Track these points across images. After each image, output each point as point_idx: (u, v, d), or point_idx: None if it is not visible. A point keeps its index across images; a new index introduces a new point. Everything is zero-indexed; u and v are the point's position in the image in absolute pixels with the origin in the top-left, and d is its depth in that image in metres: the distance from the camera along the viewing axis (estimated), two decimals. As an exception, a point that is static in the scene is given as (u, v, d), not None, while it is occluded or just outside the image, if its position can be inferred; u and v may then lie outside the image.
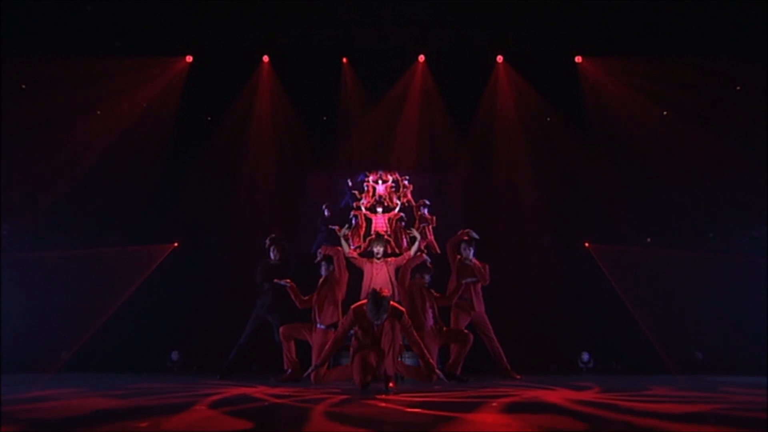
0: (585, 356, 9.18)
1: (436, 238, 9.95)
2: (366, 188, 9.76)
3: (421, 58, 10.23)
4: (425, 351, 6.82)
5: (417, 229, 8.57)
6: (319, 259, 7.72)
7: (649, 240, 9.79)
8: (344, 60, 10.31)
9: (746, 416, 4.40)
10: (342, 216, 9.71)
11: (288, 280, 7.70)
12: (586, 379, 7.68)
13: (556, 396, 5.63)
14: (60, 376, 8.24)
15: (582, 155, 10.09)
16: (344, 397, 5.62)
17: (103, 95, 9.78)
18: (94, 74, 9.52)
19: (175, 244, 9.77)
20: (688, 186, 9.45)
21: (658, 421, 4.14)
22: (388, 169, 10.02)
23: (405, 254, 8.07)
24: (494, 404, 5.04)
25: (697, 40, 9.35)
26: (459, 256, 8.05)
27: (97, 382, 7.04)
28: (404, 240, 9.56)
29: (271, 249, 8.35)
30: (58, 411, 4.60)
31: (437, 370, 6.89)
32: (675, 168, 9.48)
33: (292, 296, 7.65)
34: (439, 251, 9.41)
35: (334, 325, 7.22)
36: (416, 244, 8.06)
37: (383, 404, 5.09)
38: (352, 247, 8.23)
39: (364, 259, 8.02)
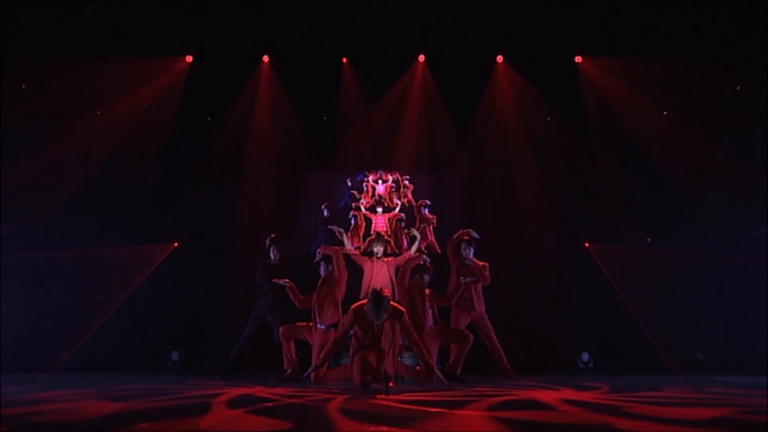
0: (585, 356, 9.18)
1: (436, 238, 9.94)
2: (366, 188, 9.75)
3: (421, 58, 10.22)
4: (425, 351, 6.82)
5: (418, 230, 8.57)
6: (318, 259, 7.73)
7: (649, 240, 9.79)
8: (344, 60, 10.31)
9: (758, 420, 4.35)
10: (342, 216, 9.71)
11: (287, 280, 7.70)
12: (595, 380, 7.67)
13: (558, 396, 5.63)
14: (60, 376, 8.25)
15: (582, 155, 10.08)
16: (348, 396, 5.65)
17: (103, 95, 9.78)
18: (94, 74, 9.52)
19: (175, 244, 9.78)
20: (688, 186, 9.43)
21: (664, 426, 4.09)
22: (388, 169, 10.03)
23: (405, 254, 8.07)
24: (484, 403, 5.06)
25: (697, 40, 9.35)
26: (459, 257, 8.05)
27: (98, 382, 7.04)
28: (404, 240, 9.56)
29: (271, 249, 8.35)
30: (66, 414, 4.56)
31: (437, 371, 6.90)
32: (675, 168, 9.47)
33: (291, 296, 7.65)
34: (439, 251, 9.42)
35: (335, 326, 7.22)
36: (416, 243, 8.06)
37: (393, 403, 5.12)
38: (352, 247, 8.23)
39: (365, 258, 8.02)
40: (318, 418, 4.36)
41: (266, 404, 5.01)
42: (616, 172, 9.84)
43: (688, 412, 4.67)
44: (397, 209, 9.42)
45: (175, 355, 9.27)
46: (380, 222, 9.30)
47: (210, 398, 5.38)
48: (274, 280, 7.87)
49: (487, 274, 8.05)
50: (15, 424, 4.07)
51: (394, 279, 7.84)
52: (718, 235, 9.48)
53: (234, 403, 5.03)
